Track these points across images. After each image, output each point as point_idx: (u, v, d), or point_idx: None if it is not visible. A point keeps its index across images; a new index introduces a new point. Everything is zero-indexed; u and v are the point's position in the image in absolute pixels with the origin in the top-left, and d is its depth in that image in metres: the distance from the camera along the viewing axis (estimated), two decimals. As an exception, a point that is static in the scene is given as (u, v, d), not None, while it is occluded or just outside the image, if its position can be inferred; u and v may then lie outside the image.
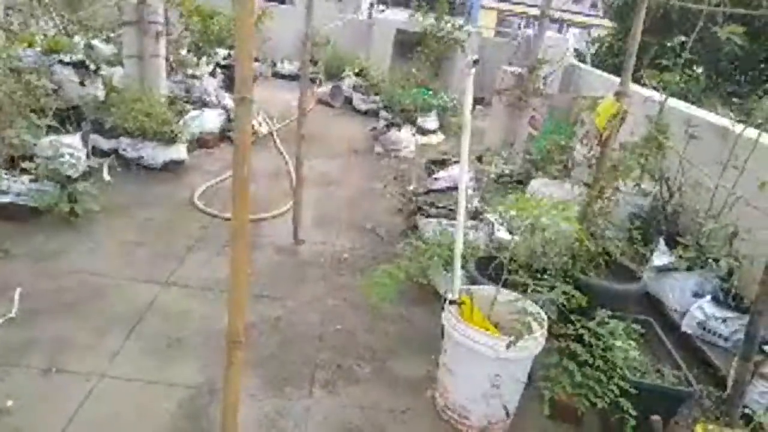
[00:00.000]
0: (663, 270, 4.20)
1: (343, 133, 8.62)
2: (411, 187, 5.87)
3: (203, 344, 3.34)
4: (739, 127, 4.47)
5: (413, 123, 8.48)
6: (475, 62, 2.71)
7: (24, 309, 3.38)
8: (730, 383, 3.28)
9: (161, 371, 3.08)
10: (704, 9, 4.66)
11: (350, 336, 3.65)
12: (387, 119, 8.39)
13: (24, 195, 4.32)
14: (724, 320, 3.77)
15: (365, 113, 9.82)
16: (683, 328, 3.92)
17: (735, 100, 7.26)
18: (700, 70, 5.95)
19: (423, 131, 8.65)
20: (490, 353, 2.76)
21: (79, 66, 6.50)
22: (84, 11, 8.59)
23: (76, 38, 7.50)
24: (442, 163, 6.42)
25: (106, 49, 7.60)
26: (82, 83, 6.34)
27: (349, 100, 10.29)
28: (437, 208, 5.06)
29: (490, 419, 2.94)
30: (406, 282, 3.43)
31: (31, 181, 4.36)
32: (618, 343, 2.94)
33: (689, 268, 4.10)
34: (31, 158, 4.58)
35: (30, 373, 2.92)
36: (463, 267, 3.17)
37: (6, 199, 4.26)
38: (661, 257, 4.26)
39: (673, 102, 5.24)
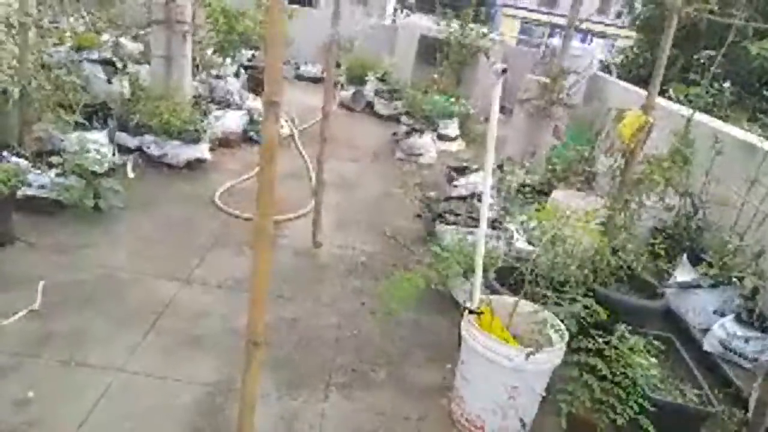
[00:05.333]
0: (686, 286, 4.14)
1: (364, 137, 8.64)
2: (431, 194, 5.86)
3: (221, 343, 3.35)
4: (767, 144, 4.39)
5: (434, 129, 8.48)
6: (504, 71, 2.69)
7: (46, 301, 3.42)
8: (752, 404, 3.22)
9: (179, 368, 3.10)
10: (734, 23, 4.60)
11: (367, 341, 3.64)
12: (408, 125, 8.39)
13: (50, 189, 4.38)
14: (747, 340, 3.70)
15: (386, 118, 9.83)
16: (705, 347, 3.86)
17: (762, 116, 7.13)
18: (727, 84, 5.87)
19: (444, 138, 8.64)
20: (508, 364, 2.74)
21: (106, 63, 6.60)
22: (113, 9, 8.73)
23: (105, 36, 7.62)
24: (462, 171, 6.40)
25: (133, 47, 7.71)
26: (109, 81, 6.42)
27: (370, 105, 10.30)
28: (456, 215, 5.04)
29: (506, 431, 2.92)
30: (424, 289, 3.42)
31: (57, 175, 4.42)
32: (638, 360, 2.90)
33: (713, 286, 4.04)
34: (58, 153, 4.65)
35: (50, 365, 2.95)
36: (482, 276, 3.15)
37: (32, 192, 4.32)
38: (683, 273, 4.20)
39: (700, 116, 5.17)
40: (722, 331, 3.80)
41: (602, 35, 27.86)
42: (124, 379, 2.95)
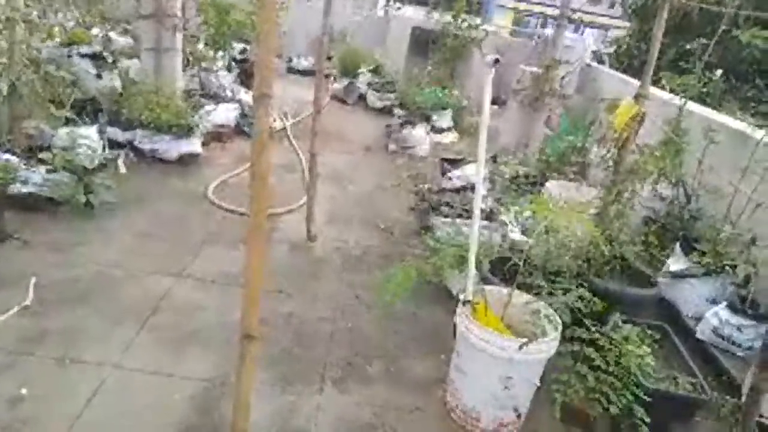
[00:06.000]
0: (679, 275, 4.16)
1: (357, 130, 8.61)
2: (425, 186, 5.85)
3: (216, 338, 3.35)
4: (759, 133, 4.40)
5: (427, 121, 8.46)
6: (496, 61, 2.68)
7: (39, 298, 3.40)
8: (745, 392, 3.24)
9: (174, 364, 3.09)
10: (725, 11, 4.59)
11: (362, 334, 3.65)
12: (401, 117, 8.37)
13: (41, 185, 4.35)
14: (740, 328, 3.72)
15: (380, 110, 9.80)
16: (698, 335, 3.88)
17: (754, 104, 7.15)
18: (719, 72, 5.87)
19: (437, 130, 8.63)
20: (502, 354, 2.75)
21: (96, 58, 6.55)
22: (102, 4, 8.65)
23: (94, 30, 7.56)
24: (456, 162, 6.40)
25: (123, 42, 7.66)
26: (99, 75, 6.37)
27: (363, 97, 10.27)
28: (451, 207, 5.04)
29: (501, 421, 2.93)
30: (419, 281, 3.42)
31: (48, 171, 4.39)
32: (632, 349, 2.91)
33: (705, 274, 4.06)
34: (48, 149, 4.61)
35: (44, 362, 2.94)
36: (476, 268, 3.15)
37: (23, 189, 4.29)
38: (677, 262, 4.21)
39: (692, 105, 5.17)
40: (715, 320, 3.82)
41: (595, 25, 27.84)
42: (119, 375, 2.94)
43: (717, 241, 4.14)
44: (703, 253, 4.09)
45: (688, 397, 2.89)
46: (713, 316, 3.84)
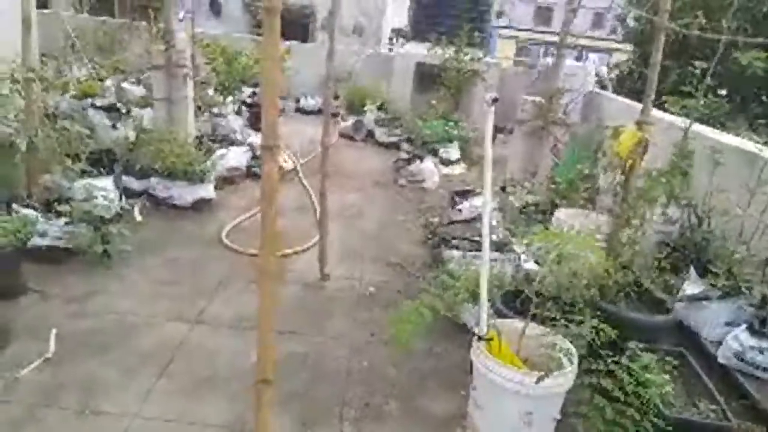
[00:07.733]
0: (695, 299, 4.11)
1: (366, 166, 8.72)
2: (435, 219, 5.89)
3: (233, 382, 3.36)
4: (766, 152, 4.40)
5: (435, 154, 8.55)
6: (495, 100, 2.75)
7: (59, 349, 3.46)
8: (770, 417, 3.18)
9: (193, 411, 3.11)
10: (722, 38, 4.64)
11: (378, 372, 3.64)
12: (409, 151, 8.46)
13: (59, 237, 4.45)
14: (762, 350, 3.66)
15: (387, 146, 9.92)
16: (719, 359, 3.82)
17: (761, 122, 7.16)
18: (723, 92, 5.89)
19: (445, 162, 8.71)
20: (519, 389, 2.73)
21: (110, 109, 6.75)
22: (115, 56, 8.95)
23: (108, 82, 7.81)
24: (465, 194, 6.44)
25: (136, 91, 7.89)
26: (114, 126, 6.56)
27: (371, 134, 10.42)
28: (462, 239, 5.06)
29: (523, 457, 2.89)
30: (433, 316, 3.42)
31: (65, 223, 4.49)
32: (651, 377, 2.88)
33: (722, 297, 4.01)
34: (66, 201, 4.73)
35: (65, 414, 2.97)
36: (489, 300, 3.16)
37: (42, 241, 4.39)
38: (692, 286, 4.17)
39: (697, 127, 5.19)
40: (736, 343, 3.76)
41: (597, 49, 28.14)
42: (139, 425, 2.97)
43: (731, 263, 4.11)
44: (718, 276, 4.04)
45: (710, 425, 2.84)
46: (734, 340, 3.78)
